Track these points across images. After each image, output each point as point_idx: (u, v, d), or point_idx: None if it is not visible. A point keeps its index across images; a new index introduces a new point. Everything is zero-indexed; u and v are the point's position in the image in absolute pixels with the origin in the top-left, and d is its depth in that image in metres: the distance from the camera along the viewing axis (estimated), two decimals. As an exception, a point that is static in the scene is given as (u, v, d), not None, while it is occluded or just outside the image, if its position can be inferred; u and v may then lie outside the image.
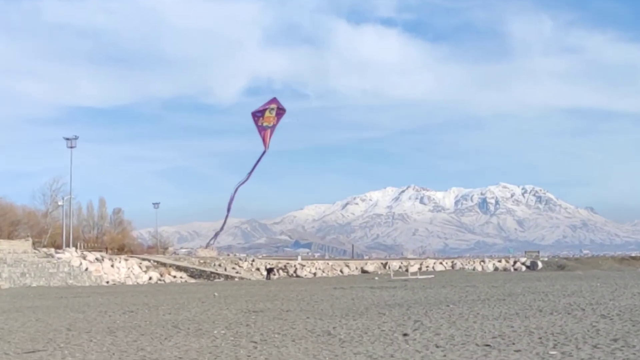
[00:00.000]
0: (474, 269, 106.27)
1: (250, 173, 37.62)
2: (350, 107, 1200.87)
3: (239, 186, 37.33)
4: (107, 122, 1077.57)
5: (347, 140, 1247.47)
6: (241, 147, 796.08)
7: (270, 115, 38.27)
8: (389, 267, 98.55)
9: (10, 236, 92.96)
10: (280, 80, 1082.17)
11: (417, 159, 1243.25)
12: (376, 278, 73.06)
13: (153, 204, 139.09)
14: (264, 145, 38.16)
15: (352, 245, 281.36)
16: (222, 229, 45.23)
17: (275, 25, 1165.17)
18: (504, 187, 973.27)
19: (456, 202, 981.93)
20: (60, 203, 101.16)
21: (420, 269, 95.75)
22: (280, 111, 39.04)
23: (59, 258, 78.53)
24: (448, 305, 29.02)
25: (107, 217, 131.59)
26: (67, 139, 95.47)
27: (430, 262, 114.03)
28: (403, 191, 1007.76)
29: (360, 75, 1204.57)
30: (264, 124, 38.20)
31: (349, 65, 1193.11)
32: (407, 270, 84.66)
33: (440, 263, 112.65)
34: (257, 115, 38.44)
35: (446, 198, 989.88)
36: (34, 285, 66.75)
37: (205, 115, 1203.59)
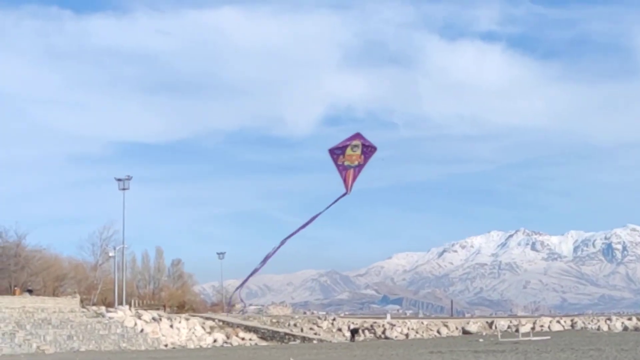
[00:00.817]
0: (598, 329, 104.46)
1: (312, 219, 37.57)
2: (445, 137, 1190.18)
3: (294, 233, 37.23)
4: (163, 160, 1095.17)
5: (443, 176, 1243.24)
6: (318, 187, 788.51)
7: (353, 153, 38.33)
8: (496, 327, 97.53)
9: (55, 293, 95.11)
10: (363, 107, 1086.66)
11: (527, 197, 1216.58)
12: (480, 340, 72.64)
13: (217, 253, 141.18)
14: (345, 187, 38.41)
15: (451, 301, 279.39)
16: (243, 283, 44.87)
17: (355, 43, 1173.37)
18: (633, 229, 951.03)
19: (575, 249, 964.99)
20: (111, 254, 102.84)
21: (533, 328, 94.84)
22: (369, 149, 39.09)
23: (110, 318, 79.83)
24: (568, 372, 28.74)
25: (165, 269, 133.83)
26: (119, 179, 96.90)
27: (546, 320, 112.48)
28: (511, 236, 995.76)
29: (456, 100, 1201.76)
30: (345, 163, 38.30)
31: (443, 88, 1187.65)
32: (517, 331, 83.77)
33: (558, 321, 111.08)
34: (336, 152, 38.52)
35: (563, 244, 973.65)
36: (83, 349, 67.86)
37: (276, 150, 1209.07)
